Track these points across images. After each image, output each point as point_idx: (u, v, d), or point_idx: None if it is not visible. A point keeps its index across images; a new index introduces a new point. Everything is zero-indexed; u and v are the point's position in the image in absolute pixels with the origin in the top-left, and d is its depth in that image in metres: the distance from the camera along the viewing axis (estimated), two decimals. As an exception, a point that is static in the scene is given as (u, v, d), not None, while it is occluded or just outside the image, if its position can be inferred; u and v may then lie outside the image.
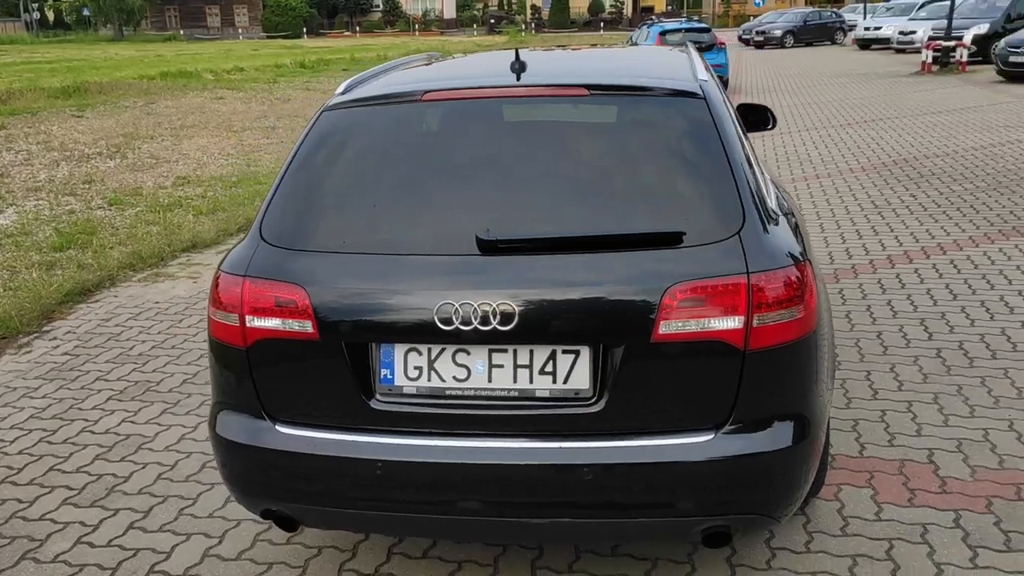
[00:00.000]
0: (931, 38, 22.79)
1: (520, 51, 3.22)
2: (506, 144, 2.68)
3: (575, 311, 2.34)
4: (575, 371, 2.36)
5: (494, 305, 2.32)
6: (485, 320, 2.32)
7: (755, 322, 2.31)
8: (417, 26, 72.39)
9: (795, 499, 2.46)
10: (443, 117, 2.77)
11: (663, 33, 20.84)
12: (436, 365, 2.42)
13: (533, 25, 68.68)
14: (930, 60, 21.37)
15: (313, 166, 2.70)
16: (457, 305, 2.33)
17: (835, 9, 43.31)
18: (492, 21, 70.89)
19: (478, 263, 2.38)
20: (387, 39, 59.07)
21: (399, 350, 2.43)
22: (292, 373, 2.50)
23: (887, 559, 2.92)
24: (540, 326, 2.33)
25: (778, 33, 37.02)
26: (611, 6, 74.19)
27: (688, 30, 20.99)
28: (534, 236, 2.40)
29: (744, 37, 41.36)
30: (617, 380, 2.34)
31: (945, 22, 22.95)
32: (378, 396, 2.45)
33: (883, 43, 31.84)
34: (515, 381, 2.38)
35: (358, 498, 2.48)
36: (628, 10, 74.41)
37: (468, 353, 2.40)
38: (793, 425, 2.40)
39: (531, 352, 2.37)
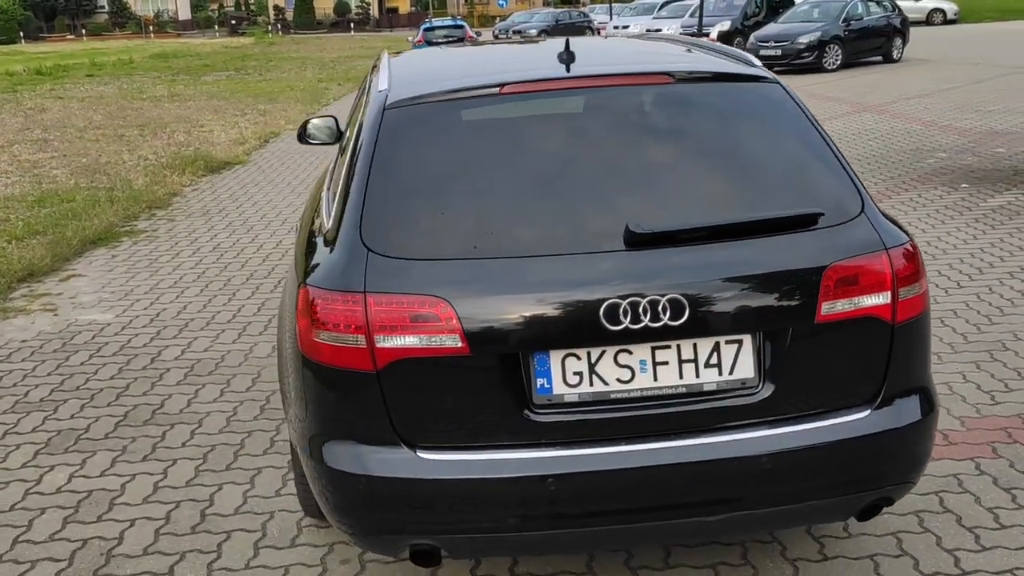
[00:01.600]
0: (686, 35, 24.50)
1: (548, 42, 3.14)
2: (606, 134, 2.61)
3: (738, 299, 2.33)
4: (739, 360, 2.34)
5: (663, 300, 2.25)
6: (655, 316, 2.24)
7: (901, 295, 2.39)
8: (151, 28, 67.93)
9: (926, 464, 2.58)
10: (526, 109, 2.64)
11: (427, 29, 26.76)
12: (597, 368, 2.31)
13: (279, 26, 66.57)
14: (688, 55, 22.97)
15: (402, 168, 2.49)
16: (625, 303, 2.24)
17: (582, 9, 45.44)
18: (233, 22, 67.90)
19: (632, 258, 2.30)
20: (119, 42, 54.78)
21: (555, 357, 2.30)
22: (436, 393, 2.30)
23: (945, 511, 3.13)
24: (705, 318, 2.29)
25: (534, 33, 38.31)
26: (357, 7, 73.43)
27: (448, 27, 27.52)
28: (685, 227, 2.34)
29: (501, 37, 42.43)
30: (782, 366, 2.34)
31: (690, 19, 24.96)
32: (536, 408, 2.31)
33: (632, 40, 33.83)
34: (681, 377, 2.33)
35: (522, 518, 2.32)
36: (375, 11, 74.07)
37: (630, 353, 2.31)
38: (924, 396, 2.51)
39: (694, 345, 2.33)
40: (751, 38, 21.03)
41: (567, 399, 2.31)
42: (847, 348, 2.39)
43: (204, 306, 5.79)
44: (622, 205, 2.41)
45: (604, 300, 2.24)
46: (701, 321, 2.28)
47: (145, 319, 5.58)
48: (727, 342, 2.33)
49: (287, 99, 19.23)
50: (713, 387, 2.34)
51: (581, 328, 2.26)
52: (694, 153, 2.59)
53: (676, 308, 2.25)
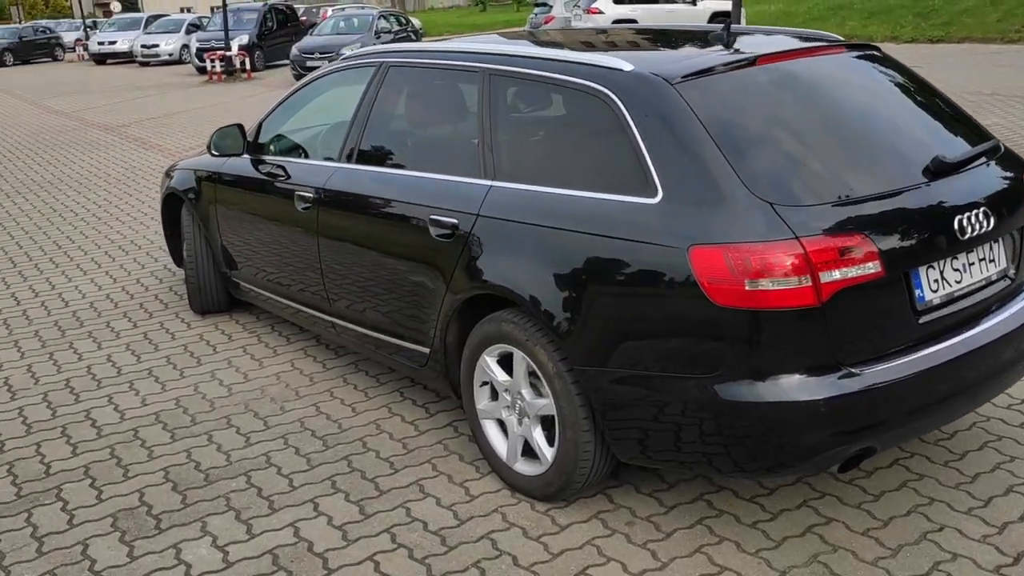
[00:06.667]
0: (204, 49, 23.63)
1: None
2: (841, 92, 3.10)
3: (1000, 207, 2.88)
4: (1001, 255, 2.95)
5: (980, 212, 2.77)
6: (982, 227, 2.75)
7: None
8: None
9: None
10: (775, 75, 2.99)
11: None
12: (944, 274, 2.75)
13: None
14: (219, 69, 22.06)
15: (742, 131, 2.76)
16: (964, 218, 2.72)
17: (45, 24, 40.79)
18: None
19: (948, 184, 2.79)
20: None
21: (922, 270, 2.72)
22: (859, 315, 2.59)
23: None
24: (992, 225, 2.81)
25: (-11, 52, 33.64)
26: None
27: None
28: (965, 156, 2.87)
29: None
30: (1017, 254, 3.00)
31: (205, 34, 24.53)
32: (920, 313, 2.71)
33: (121, 57, 31.46)
34: (982, 272, 2.87)
35: (933, 401, 2.72)
36: None
37: (957, 259, 2.78)
38: None
39: (983, 247, 2.86)
40: (294, 50, 21.01)
41: (934, 303, 2.75)
42: None
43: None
44: (906, 143, 2.97)
45: (957, 218, 2.74)
46: (990, 228, 2.81)
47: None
48: (994, 242, 2.89)
49: None
50: (994, 277, 2.94)
51: (943, 242, 2.72)
52: (897, 104, 3.18)
53: (987, 218, 2.77)
